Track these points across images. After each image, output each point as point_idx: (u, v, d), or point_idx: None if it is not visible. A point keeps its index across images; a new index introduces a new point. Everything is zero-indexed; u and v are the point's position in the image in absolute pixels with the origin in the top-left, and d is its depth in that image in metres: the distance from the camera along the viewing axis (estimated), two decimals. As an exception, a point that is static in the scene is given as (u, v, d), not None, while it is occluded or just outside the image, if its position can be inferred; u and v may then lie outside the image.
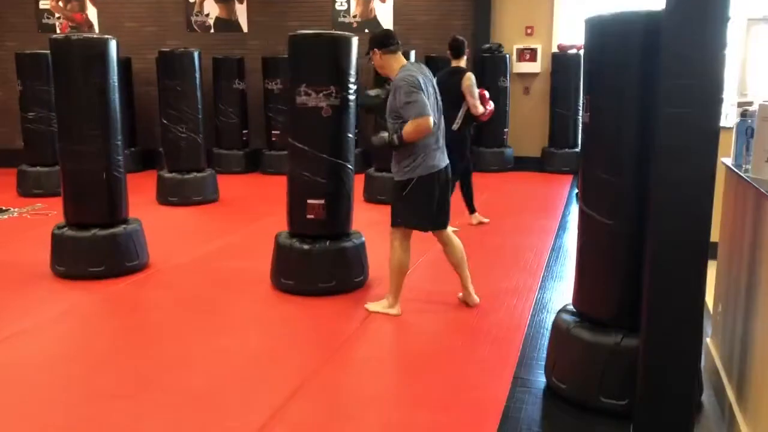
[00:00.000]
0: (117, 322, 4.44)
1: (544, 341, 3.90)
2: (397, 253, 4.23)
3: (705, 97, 2.44)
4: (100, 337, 4.13)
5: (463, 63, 6.44)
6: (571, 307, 3.35)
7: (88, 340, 4.09)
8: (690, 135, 2.47)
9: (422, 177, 4.09)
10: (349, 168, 4.77)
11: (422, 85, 3.97)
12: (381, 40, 4.15)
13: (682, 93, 2.45)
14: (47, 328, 4.20)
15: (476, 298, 4.46)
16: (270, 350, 3.86)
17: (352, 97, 4.67)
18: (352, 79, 4.66)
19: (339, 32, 4.82)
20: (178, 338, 4.03)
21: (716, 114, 2.47)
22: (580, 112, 9.93)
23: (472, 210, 6.86)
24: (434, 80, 4.20)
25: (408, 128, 3.94)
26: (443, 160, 4.18)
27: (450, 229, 4.39)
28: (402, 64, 4.12)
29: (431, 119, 3.93)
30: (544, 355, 3.57)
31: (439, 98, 4.20)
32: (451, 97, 5.94)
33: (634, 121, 2.90)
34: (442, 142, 4.19)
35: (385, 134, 4.09)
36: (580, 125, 3.16)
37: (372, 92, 4.27)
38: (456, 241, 4.39)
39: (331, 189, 4.67)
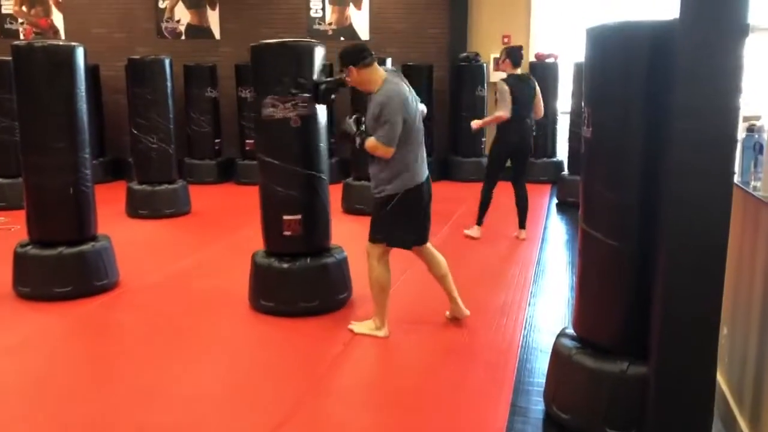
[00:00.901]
0: (83, 348, 4.16)
1: (538, 364, 3.74)
2: (376, 272, 4.04)
3: (721, 111, 2.29)
4: (64, 366, 3.85)
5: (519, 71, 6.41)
6: (570, 331, 3.17)
7: (50, 368, 3.79)
8: (705, 151, 2.32)
9: (407, 191, 3.93)
10: (324, 179, 4.56)
11: (405, 107, 3.82)
12: (354, 56, 3.91)
13: (696, 107, 2.31)
14: (5, 356, 3.91)
15: (466, 311, 4.29)
16: (249, 380, 3.62)
17: (321, 106, 4.47)
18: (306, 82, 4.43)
19: (303, 39, 4.60)
20: (148, 367, 3.76)
21: (733, 129, 2.33)
22: (558, 122, 10.02)
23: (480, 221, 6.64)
24: (411, 90, 4.01)
25: (370, 144, 3.87)
26: (424, 173, 4.02)
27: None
28: (383, 77, 3.91)
29: (391, 151, 3.83)
30: (540, 380, 3.40)
31: (419, 111, 4.03)
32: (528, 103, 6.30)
33: (640, 136, 2.74)
34: (422, 155, 4.02)
35: (353, 128, 3.98)
36: (582, 140, 2.98)
37: (350, 119, 4.07)
38: (437, 254, 4.22)
39: (307, 202, 4.47)
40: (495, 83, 6.57)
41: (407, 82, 4.00)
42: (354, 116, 4.08)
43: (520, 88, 6.29)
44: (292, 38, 4.66)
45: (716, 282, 2.42)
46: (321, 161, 4.53)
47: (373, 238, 4.03)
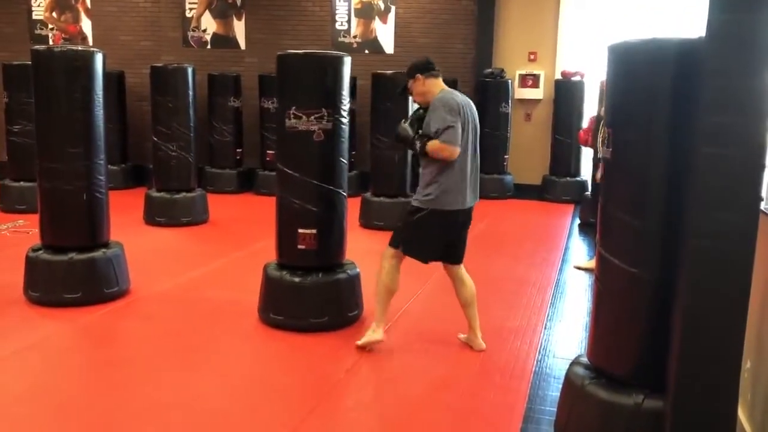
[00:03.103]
0: (89, 357, 4.11)
1: (551, 392, 3.60)
2: (385, 272, 3.98)
3: (750, 136, 2.17)
4: (68, 375, 3.79)
5: None
6: (584, 360, 3.04)
7: (54, 377, 3.73)
8: (732, 178, 2.20)
9: (436, 211, 3.84)
10: (342, 195, 4.48)
11: (461, 113, 3.80)
12: (424, 66, 3.96)
13: (724, 131, 2.18)
14: (11, 362, 3.87)
15: (482, 344, 4.13)
16: (254, 396, 3.53)
17: (345, 121, 4.40)
18: (345, 102, 4.39)
19: (331, 51, 4.53)
20: (153, 379, 3.69)
21: (762, 154, 2.20)
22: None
23: None
24: (476, 113, 3.97)
25: (433, 146, 3.77)
26: (469, 201, 3.93)
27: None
28: (442, 88, 3.95)
29: (458, 151, 3.75)
30: (552, 409, 3.28)
31: (477, 132, 3.96)
32: None
33: (662, 159, 2.63)
34: (473, 180, 3.94)
35: (410, 131, 3.90)
36: (601, 160, 2.87)
37: (405, 123, 3.99)
38: (468, 279, 4.10)
39: (324, 217, 4.38)
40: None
41: (473, 106, 3.97)
42: (410, 119, 4.01)
43: None
44: (318, 49, 4.61)
45: (739, 313, 2.29)
46: (341, 177, 4.46)
47: (393, 241, 3.99)
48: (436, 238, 3.92)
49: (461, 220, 3.95)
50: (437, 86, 3.95)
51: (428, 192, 3.85)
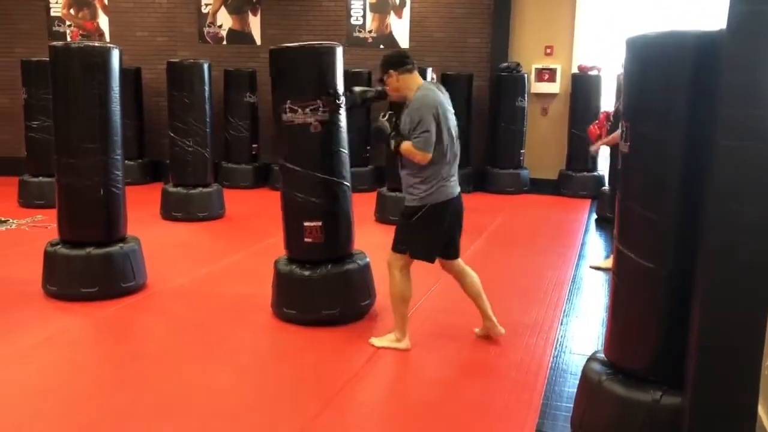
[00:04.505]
0: (105, 351, 4.14)
1: (568, 387, 3.57)
2: (396, 281, 3.94)
3: (770, 130, 2.13)
4: (84, 369, 3.82)
5: None
6: (601, 356, 3.02)
7: (70, 371, 3.77)
8: (751, 171, 2.16)
9: (434, 205, 3.82)
10: (346, 185, 4.47)
11: (440, 114, 3.74)
12: (396, 61, 3.88)
13: (743, 124, 2.15)
14: (28, 355, 3.90)
15: (501, 329, 4.14)
16: (267, 391, 3.54)
17: (341, 110, 4.38)
18: (341, 91, 4.37)
19: (321, 42, 4.48)
20: (167, 373, 3.71)
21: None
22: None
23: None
24: (450, 104, 3.92)
25: (406, 148, 3.77)
26: (456, 188, 3.91)
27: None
28: (418, 84, 3.87)
29: (429, 157, 3.73)
30: (568, 405, 3.25)
31: (454, 126, 3.92)
32: None
33: (681, 153, 2.59)
34: (455, 170, 3.92)
35: (388, 127, 3.88)
36: (619, 155, 2.84)
37: (383, 118, 3.98)
38: (470, 271, 4.09)
39: (328, 209, 4.37)
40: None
41: (446, 95, 3.91)
42: (388, 114, 3.99)
43: None
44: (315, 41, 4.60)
45: (759, 309, 2.26)
46: (342, 167, 4.44)
47: (396, 247, 3.94)
48: (439, 233, 3.89)
49: (457, 208, 3.92)
50: (413, 81, 3.86)
51: (420, 190, 3.81)
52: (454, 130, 3.89)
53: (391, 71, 3.86)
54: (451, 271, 4.10)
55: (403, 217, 3.95)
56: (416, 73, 3.90)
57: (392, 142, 3.84)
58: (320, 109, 4.24)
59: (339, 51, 4.39)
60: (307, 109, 4.23)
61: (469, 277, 4.09)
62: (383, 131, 3.91)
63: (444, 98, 3.85)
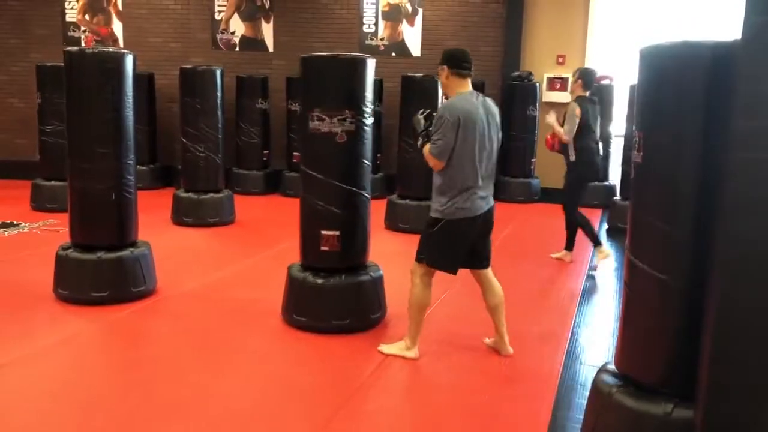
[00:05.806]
0: (116, 355, 4.15)
1: (578, 398, 3.55)
2: (417, 290, 3.92)
3: (786, 142, 2.10)
4: (94, 373, 3.83)
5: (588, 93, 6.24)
6: (612, 367, 2.99)
7: (80, 375, 3.78)
8: (766, 183, 2.13)
9: (452, 221, 3.78)
10: (365, 196, 4.48)
11: (463, 125, 3.67)
12: (453, 59, 3.81)
13: (758, 135, 2.12)
14: (38, 359, 3.91)
15: (509, 349, 4.09)
16: (276, 397, 3.53)
17: (368, 122, 4.39)
18: (369, 104, 4.38)
19: (355, 54, 4.51)
20: (177, 378, 3.72)
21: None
22: (612, 145, 9.74)
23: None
24: (497, 118, 3.87)
25: (426, 150, 3.82)
26: (484, 206, 3.83)
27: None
28: (461, 91, 3.81)
29: (440, 165, 3.74)
30: (579, 416, 3.22)
31: (494, 139, 3.85)
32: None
33: (694, 164, 2.57)
34: (486, 186, 3.84)
35: (421, 126, 3.91)
36: (632, 165, 2.83)
37: (420, 115, 3.97)
38: (496, 283, 4.05)
39: (347, 219, 4.38)
40: (567, 103, 6.37)
41: (491, 109, 3.85)
42: (426, 112, 3.98)
43: (592, 112, 6.11)
44: (346, 52, 4.61)
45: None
46: (364, 178, 4.45)
47: (418, 256, 3.93)
48: (458, 246, 3.84)
49: (480, 225, 3.85)
50: (459, 86, 3.81)
51: (443, 202, 3.78)
52: (488, 144, 3.79)
53: (446, 66, 3.82)
54: (478, 280, 4.08)
55: (426, 225, 3.92)
56: (468, 81, 3.83)
57: (419, 141, 3.87)
58: (348, 119, 4.25)
59: (371, 63, 4.40)
60: (335, 119, 4.24)
61: (492, 289, 4.04)
62: (415, 129, 3.95)
63: (480, 111, 3.75)
